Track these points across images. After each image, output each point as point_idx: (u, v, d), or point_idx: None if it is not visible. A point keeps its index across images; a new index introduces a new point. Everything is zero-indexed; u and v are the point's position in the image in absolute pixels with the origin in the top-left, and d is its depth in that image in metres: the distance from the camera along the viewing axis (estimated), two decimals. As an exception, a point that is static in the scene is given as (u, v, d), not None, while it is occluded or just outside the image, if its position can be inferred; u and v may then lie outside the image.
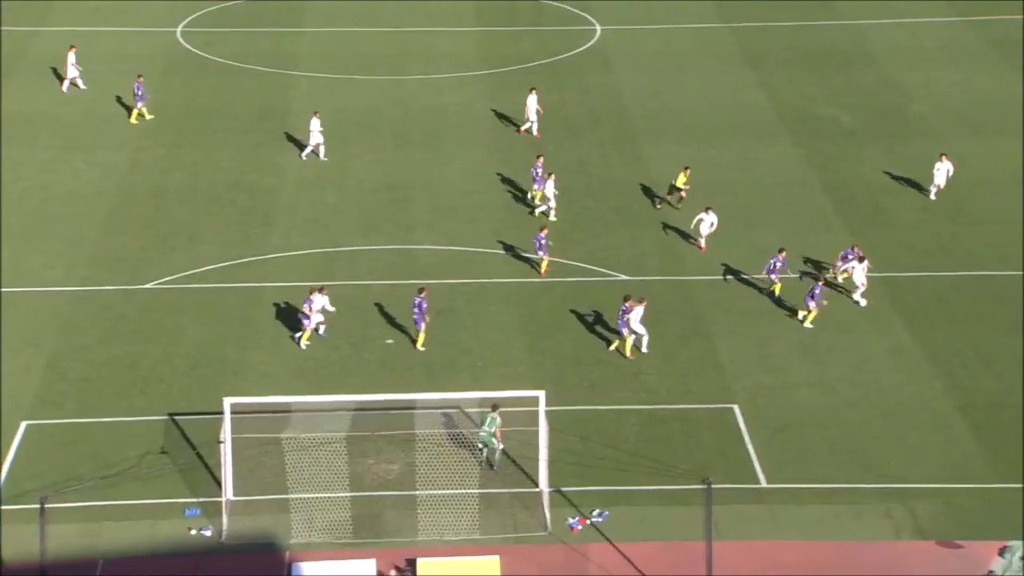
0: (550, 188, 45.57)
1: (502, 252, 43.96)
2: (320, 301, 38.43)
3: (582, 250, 43.87)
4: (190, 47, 60.74)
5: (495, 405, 33.27)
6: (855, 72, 57.76)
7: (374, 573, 30.08)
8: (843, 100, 55.07)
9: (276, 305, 40.89)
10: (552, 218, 45.52)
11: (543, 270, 42.11)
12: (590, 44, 61.11)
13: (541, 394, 32.58)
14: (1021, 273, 42.47)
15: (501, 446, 33.24)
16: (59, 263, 43.29)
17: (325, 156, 50.12)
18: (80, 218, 46.23)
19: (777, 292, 40.39)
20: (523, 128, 51.97)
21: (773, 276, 40.38)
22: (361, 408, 34.56)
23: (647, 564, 30.54)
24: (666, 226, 44.84)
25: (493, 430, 33.14)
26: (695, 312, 40.42)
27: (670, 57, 59.40)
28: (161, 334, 39.42)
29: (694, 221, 43.52)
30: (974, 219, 46.02)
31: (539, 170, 46.09)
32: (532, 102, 51.70)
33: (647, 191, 47.89)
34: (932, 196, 46.69)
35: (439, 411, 34.72)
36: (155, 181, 48.92)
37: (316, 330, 38.48)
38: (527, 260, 43.33)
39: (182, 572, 30.42)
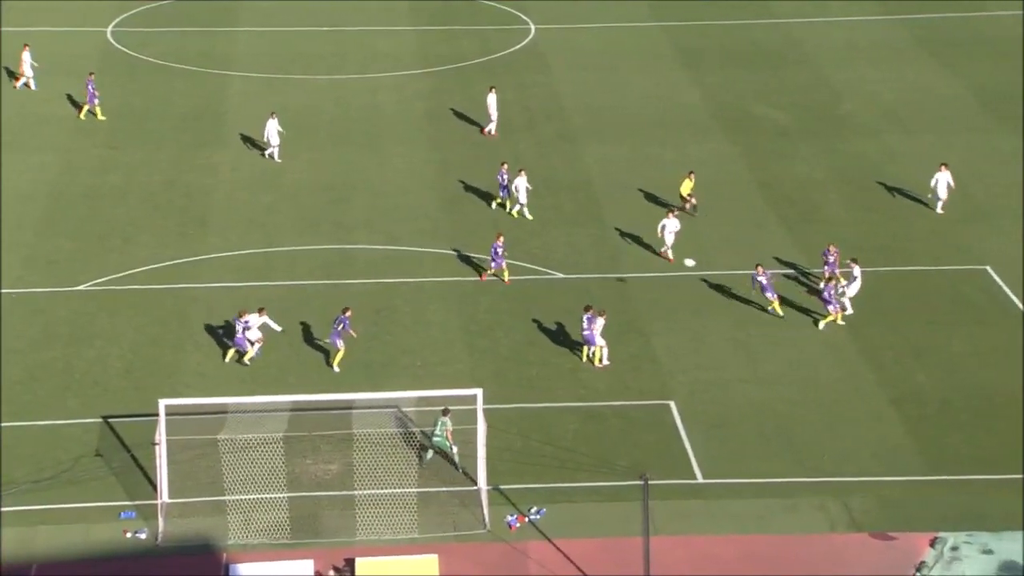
0: (522, 185, 45.24)
1: (441, 251, 43.87)
2: (259, 321, 37.66)
3: (520, 249, 43.87)
4: (122, 47, 60.09)
5: (445, 409, 33.20)
6: (788, 71, 58.25)
7: (312, 573, 29.90)
8: (777, 98, 55.51)
9: (213, 306, 40.53)
10: (528, 216, 45.22)
11: (506, 280, 41.33)
12: (525, 43, 61.17)
13: (479, 392, 32.57)
14: (949, 268, 43.03)
15: (455, 448, 33.15)
16: (-9, 265, 42.68)
17: (269, 157, 49.64)
18: (13, 220, 45.59)
19: (779, 310, 39.38)
20: (494, 130, 51.39)
21: (769, 294, 39.47)
22: (299, 408, 34.36)
23: (585, 561, 30.59)
24: (623, 232, 44.53)
25: (445, 433, 33.03)
26: (631, 309, 40.56)
27: (605, 56, 59.59)
28: (95, 336, 38.97)
29: (658, 228, 42.86)
30: (905, 215, 46.55)
31: (504, 176, 45.66)
32: (492, 101, 51.44)
33: (585, 189, 48.01)
34: (939, 210, 45.54)
35: (378, 411, 34.56)
36: (89, 182, 48.37)
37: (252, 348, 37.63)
38: (466, 259, 43.25)
39: (117, 575, 30.13)
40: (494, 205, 46.04)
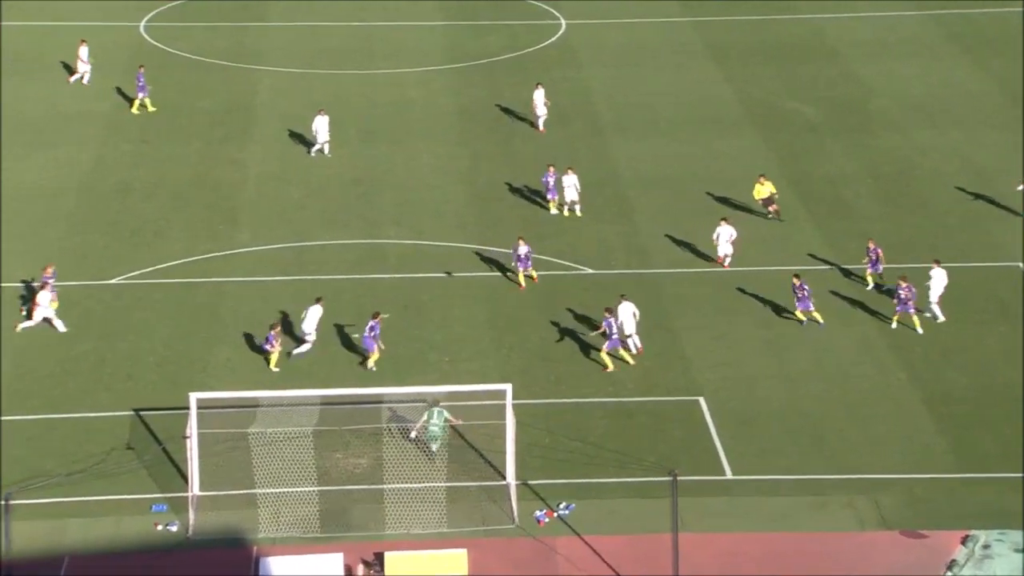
0: (571, 182, 44.80)
1: (469, 246, 43.87)
2: (316, 313, 37.55)
3: (549, 245, 43.82)
4: (154, 42, 60.32)
5: (436, 400, 33.17)
6: (817, 66, 57.97)
7: (341, 567, 29.98)
8: (806, 94, 55.26)
9: (243, 300, 40.66)
10: (578, 214, 44.88)
11: (534, 278, 40.84)
12: (555, 38, 61.06)
13: (508, 387, 32.57)
14: (980, 265, 42.76)
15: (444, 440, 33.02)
16: (24, 260, 42.88)
17: (318, 153, 49.47)
18: (44, 215, 45.84)
19: (820, 320, 38.67)
20: (540, 125, 51.08)
21: (808, 306, 38.52)
22: (328, 403, 34.43)
23: (614, 556, 30.56)
24: (680, 243, 44.01)
25: (443, 422, 32.96)
26: (661, 306, 40.46)
27: (635, 51, 59.44)
28: (127, 330, 39.15)
29: (713, 236, 42.04)
30: (935, 211, 46.28)
31: (550, 180, 45.03)
32: (539, 97, 51.22)
33: (614, 184, 47.91)
34: None
35: (406, 405, 34.60)
36: (120, 177, 48.57)
37: (289, 352, 37.29)
38: (494, 254, 43.21)
39: (148, 568, 30.23)
40: (553, 210, 45.14)
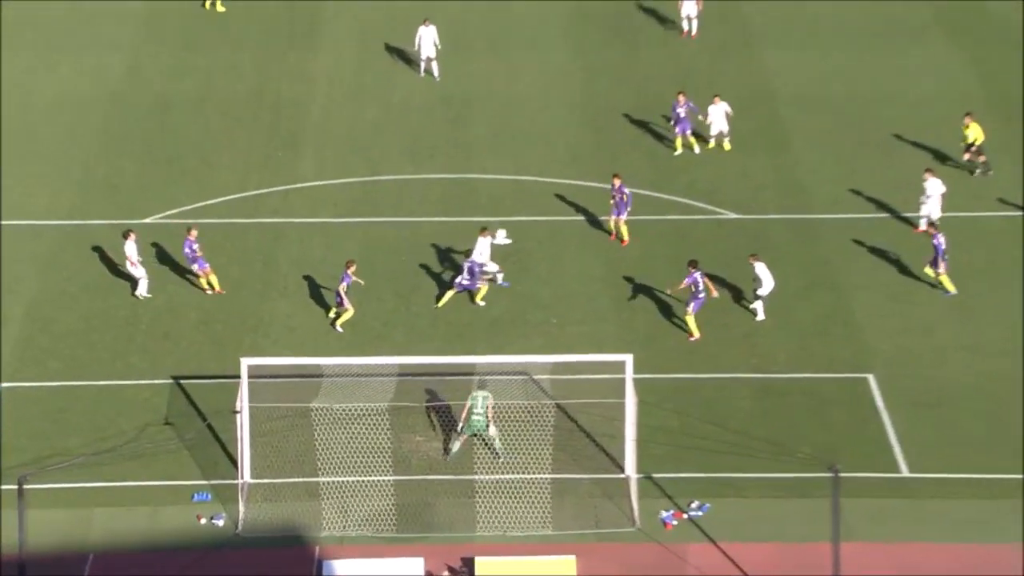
0: (719, 111, 44.66)
1: (583, 184, 43.86)
2: (483, 245, 38.11)
3: (681, 181, 43.70)
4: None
5: (482, 381, 33.29)
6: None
7: (422, 574, 30.33)
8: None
9: (305, 245, 41.09)
10: (726, 147, 44.82)
11: (616, 235, 40.58)
12: (694, -76, 60.52)
13: (628, 358, 32.58)
14: None
15: (493, 429, 32.89)
16: (41, 191, 43.74)
17: (426, 73, 49.44)
18: (68, 135, 46.67)
19: (949, 287, 38.25)
20: (694, 29, 51.56)
21: (939, 264, 38.05)
22: (408, 373, 34.73)
23: (758, 569, 30.60)
24: (847, 181, 43.99)
25: (485, 410, 32.89)
26: (822, 260, 40.24)
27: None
28: (165, 280, 39.77)
29: (921, 197, 40.91)
30: None
31: (680, 111, 44.78)
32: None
33: (766, 105, 47.48)
34: None
35: (504, 378, 34.81)
36: (159, 90, 49.26)
37: (493, 280, 38.27)
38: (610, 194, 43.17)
39: (189, 569, 30.82)
40: (680, 149, 44.85)
